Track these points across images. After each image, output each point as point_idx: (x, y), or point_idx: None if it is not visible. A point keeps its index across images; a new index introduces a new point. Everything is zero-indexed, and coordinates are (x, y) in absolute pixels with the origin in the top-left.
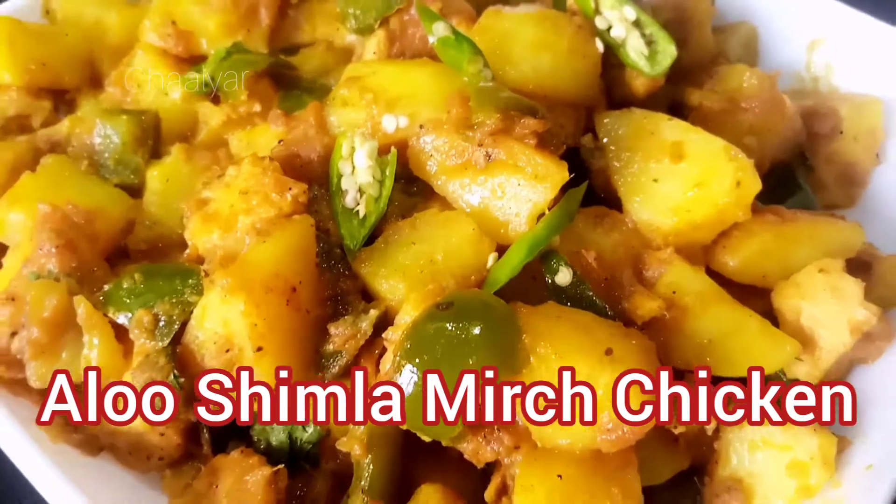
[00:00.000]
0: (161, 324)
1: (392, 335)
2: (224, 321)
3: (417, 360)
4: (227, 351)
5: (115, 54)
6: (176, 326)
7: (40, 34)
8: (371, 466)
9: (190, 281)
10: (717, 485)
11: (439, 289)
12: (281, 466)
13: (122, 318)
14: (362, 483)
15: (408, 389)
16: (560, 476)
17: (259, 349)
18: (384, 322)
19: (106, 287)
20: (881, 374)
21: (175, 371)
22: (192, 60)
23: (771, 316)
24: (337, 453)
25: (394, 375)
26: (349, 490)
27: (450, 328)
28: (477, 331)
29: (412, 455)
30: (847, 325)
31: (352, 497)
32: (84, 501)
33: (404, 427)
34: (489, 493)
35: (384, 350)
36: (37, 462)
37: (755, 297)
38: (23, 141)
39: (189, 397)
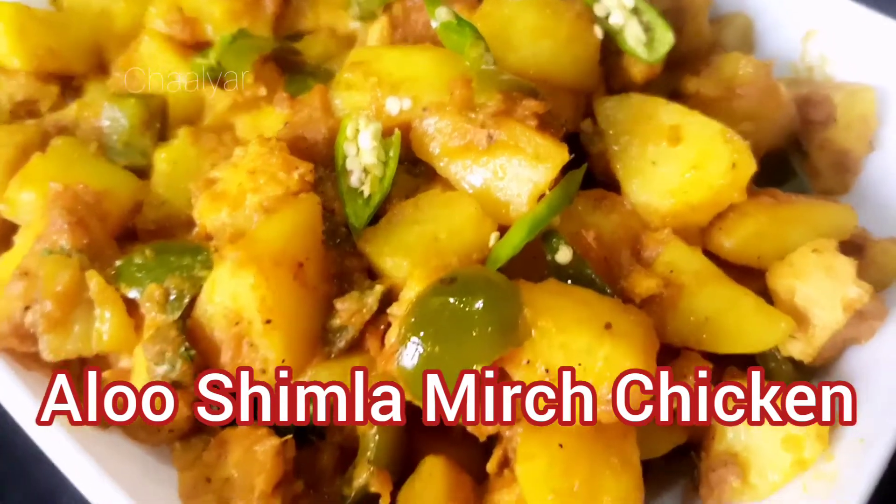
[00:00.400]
0: (172, 298)
1: (397, 310)
2: (233, 295)
3: (422, 333)
4: (237, 324)
5: (122, 41)
6: (186, 300)
7: (48, 21)
8: (377, 438)
9: (200, 256)
10: (713, 459)
11: (443, 266)
12: (289, 437)
13: (133, 293)
14: (368, 454)
15: (412, 362)
16: (561, 445)
17: (268, 322)
18: (388, 299)
19: (117, 263)
20: (873, 354)
21: (186, 343)
22: (198, 47)
23: (766, 296)
24: (342, 426)
25: (399, 348)
26: (355, 461)
27: (453, 302)
28: (480, 304)
29: (415, 429)
30: (840, 302)
31: (358, 468)
32: (104, 476)
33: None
34: (491, 465)
35: (388, 326)
36: (56, 437)
37: (750, 278)
38: (32, 124)
39: (199, 370)
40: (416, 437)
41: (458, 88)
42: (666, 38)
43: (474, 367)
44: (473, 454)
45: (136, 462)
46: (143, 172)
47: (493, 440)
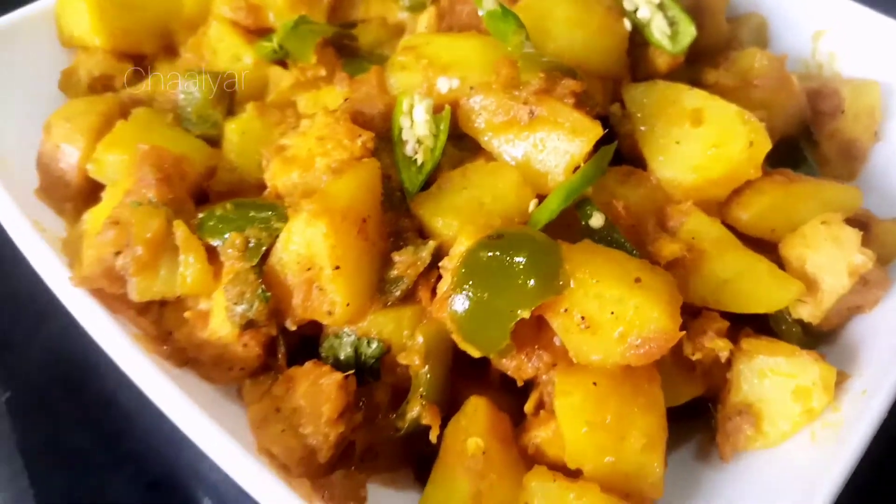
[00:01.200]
0: (250, 245)
1: (448, 263)
2: (307, 242)
3: (472, 282)
4: (308, 270)
5: (189, 25)
6: (263, 249)
7: (124, 4)
8: (428, 376)
9: (275, 211)
10: (729, 409)
11: (488, 226)
12: (351, 372)
13: (214, 242)
14: (420, 390)
15: (463, 307)
16: (595, 383)
17: (337, 268)
18: (438, 256)
19: (200, 215)
20: (878, 321)
21: (262, 286)
22: (260, 32)
23: (779, 267)
24: (395, 368)
25: (451, 295)
26: (408, 397)
27: (500, 255)
28: (525, 257)
29: (458, 377)
30: (846, 268)
31: (410, 402)
32: (192, 403)
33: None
34: (528, 406)
35: (439, 278)
36: (147, 369)
37: (764, 251)
38: (111, 96)
39: (272, 312)
40: (458, 385)
41: (504, 68)
42: (689, 31)
43: (519, 313)
44: (511, 400)
45: (208, 397)
46: (214, 142)
47: (529, 387)
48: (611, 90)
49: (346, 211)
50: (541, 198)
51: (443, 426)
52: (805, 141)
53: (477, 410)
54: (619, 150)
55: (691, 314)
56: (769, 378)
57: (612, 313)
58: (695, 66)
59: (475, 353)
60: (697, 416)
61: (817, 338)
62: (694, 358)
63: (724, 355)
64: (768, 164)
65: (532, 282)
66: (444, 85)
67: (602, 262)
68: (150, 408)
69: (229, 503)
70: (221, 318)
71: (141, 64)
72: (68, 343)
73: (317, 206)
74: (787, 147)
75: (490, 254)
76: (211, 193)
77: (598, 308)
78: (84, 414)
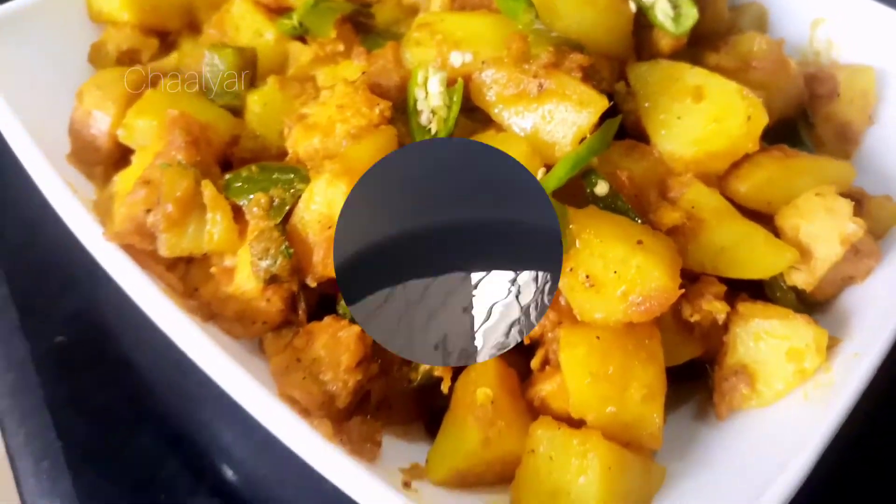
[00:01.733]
0: (275, 204)
1: None
2: (329, 202)
3: None
4: (329, 228)
5: (212, 4)
6: (287, 208)
7: None
8: None
9: (298, 173)
10: (725, 370)
11: None
12: None
13: (240, 202)
14: None
15: None
16: (598, 338)
17: None
18: None
19: (227, 176)
20: (869, 292)
21: (286, 243)
22: (279, 10)
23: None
24: None
25: None
26: None
27: None
28: None
29: None
30: (838, 237)
31: None
32: (223, 354)
33: None
34: (535, 362)
35: None
36: (177, 321)
37: (760, 222)
38: (140, 68)
39: (293, 268)
40: None
41: (515, 42)
42: (691, 14)
43: None
44: (517, 358)
45: (231, 350)
46: (237, 112)
47: (535, 347)
48: (616, 69)
49: (364, 172)
50: (548, 167)
51: (453, 381)
52: (802, 123)
53: (486, 364)
54: (624, 126)
55: (690, 279)
56: (764, 340)
57: (615, 273)
58: (696, 50)
59: None
60: (696, 379)
61: (812, 307)
62: (692, 320)
63: (721, 317)
64: (766, 143)
65: None
66: (457, 59)
67: (606, 225)
68: (166, 372)
69: (243, 465)
70: (246, 273)
71: (166, 39)
72: (90, 309)
73: (338, 167)
74: (784, 128)
75: None
76: (234, 160)
77: (601, 267)
78: (105, 375)
